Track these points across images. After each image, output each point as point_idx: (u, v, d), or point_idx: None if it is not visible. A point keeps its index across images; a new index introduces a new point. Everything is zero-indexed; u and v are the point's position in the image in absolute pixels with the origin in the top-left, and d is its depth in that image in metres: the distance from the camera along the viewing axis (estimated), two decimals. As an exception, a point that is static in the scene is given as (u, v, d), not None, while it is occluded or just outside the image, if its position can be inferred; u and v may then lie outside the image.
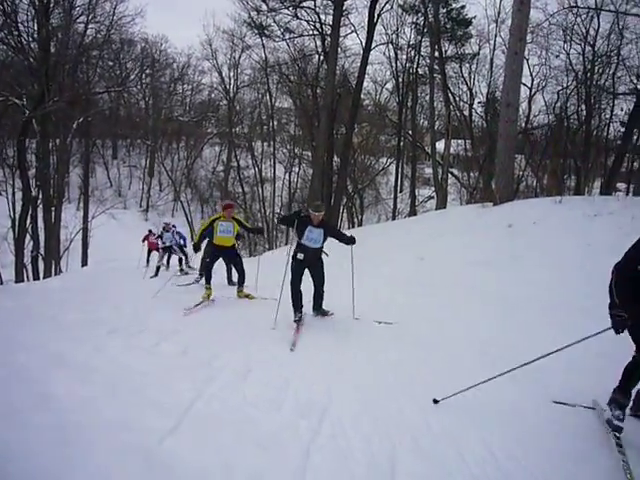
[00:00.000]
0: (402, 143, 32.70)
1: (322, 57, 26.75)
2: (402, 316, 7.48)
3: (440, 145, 28.06)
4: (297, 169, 36.35)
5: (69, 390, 4.32)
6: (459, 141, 31.64)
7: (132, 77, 38.56)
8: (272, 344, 6.04)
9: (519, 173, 26.10)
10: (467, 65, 29.88)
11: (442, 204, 23.06)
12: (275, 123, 38.47)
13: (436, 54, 24.94)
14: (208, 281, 8.83)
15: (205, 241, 11.33)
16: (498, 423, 4.15)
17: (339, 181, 24.97)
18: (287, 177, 36.65)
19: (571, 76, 25.59)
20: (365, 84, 28.24)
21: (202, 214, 38.97)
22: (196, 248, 9.03)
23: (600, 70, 25.07)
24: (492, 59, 28.88)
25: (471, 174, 30.13)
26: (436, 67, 25.61)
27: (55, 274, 22.64)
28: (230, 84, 38.92)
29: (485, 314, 7.51)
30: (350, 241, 7.24)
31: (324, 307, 7.44)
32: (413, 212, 28.48)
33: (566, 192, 23.16)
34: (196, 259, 13.67)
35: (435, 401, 4.46)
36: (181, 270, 13.98)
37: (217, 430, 3.90)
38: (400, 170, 34.53)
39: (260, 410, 4.26)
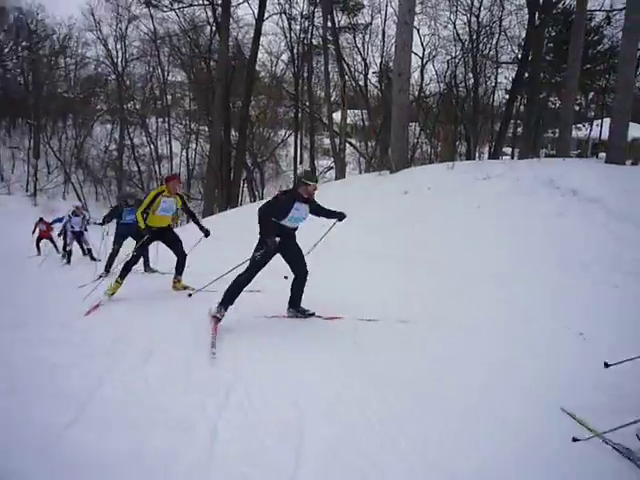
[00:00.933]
0: (300, 115, 32.70)
1: (214, 28, 26.01)
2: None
3: (337, 115, 28.31)
4: (194, 145, 35.41)
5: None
6: (356, 111, 32.08)
7: (6, 50, 35.56)
8: (176, 325, 5.89)
9: (414, 141, 26.95)
10: (360, 35, 30.24)
11: (341, 174, 23.37)
12: (169, 98, 37.14)
13: (329, 24, 24.94)
14: (125, 275, 7.14)
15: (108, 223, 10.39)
16: (398, 385, 4.31)
17: (238, 155, 24.63)
18: (185, 154, 35.62)
19: (459, 46, 26.63)
20: (260, 55, 27.93)
21: (97, 195, 37.11)
22: (143, 236, 7.37)
23: (485, 40, 26.25)
24: (384, 29, 29.46)
25: (369, 143, 30.71)
26: (330, 37, 25.67)
27: None
28: (118, 57, 36.93)
29: (384, 274, 7.70)
30: (339, 216, 6.04)
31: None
32: (314, 183, 28.65)
33: (458, 157, 24.24)
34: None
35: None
36: (93, 259, 12.83)
37: (122, 415, 3.78)
38: (299, 142, 34.59)
39: (165, 392, 4.17)
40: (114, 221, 10.15)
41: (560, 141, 17.39)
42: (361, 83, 30.52)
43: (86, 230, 13.35)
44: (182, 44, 30.38)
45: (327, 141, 28.54)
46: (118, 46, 36.72)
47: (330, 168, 30.06)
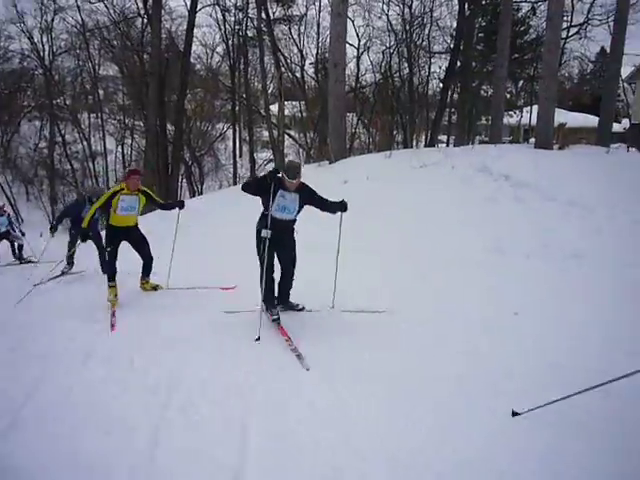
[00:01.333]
0: (237, 107, 32.34)
1: (145, 20, 25.32)
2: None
3: (276, 107, 28.16)
4: (130, 141, 34.43)
5: None
6: (294, 103, 31.98)
7: None
8: (119, 326, 5.76)
9: (352, 131, 27.16)
10: (296, 27, 30.12)
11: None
12: (101, 92, 35.86)
13: (263, 16, 24.70)
14: (113, 277, 6.69)
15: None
16: (349, 374, 4.37)
17: (174, 150, 24.14)
18: (120, 150, 34.59)
19: (393, 37, 26.98)
20: (195, 48, 27.40)
21: (27, 195, 35.54)
22: (84, 235, 7.20)
23: (418, 31, 26.69)
24: (319, 21, 29.47)
25: (308, 134, 30.71)
26: (265, 29, 25.44)
27: None
28: (44, 51, 35.32)
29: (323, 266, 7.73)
30: (341, 208, 5.77)
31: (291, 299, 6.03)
32: (254, 176, 28.48)
33: (395, 146, 24.59)
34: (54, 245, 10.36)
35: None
36: (22, 259, 12.12)
37: (60, 417, 3.72)
38: (238, 135, 34.20)
39: (106, 392, 4.09)
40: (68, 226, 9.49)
41: (493, 128, 17.92)
42: (298, 75, 30.45)
43: (14, 230, 12.61)
44: (113, 36, 29.37)
45: (266, 133, 28.35)
46: (44, 39, 35.10)
47: (270, 160, 29.88)
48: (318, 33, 29.62)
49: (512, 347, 4.75)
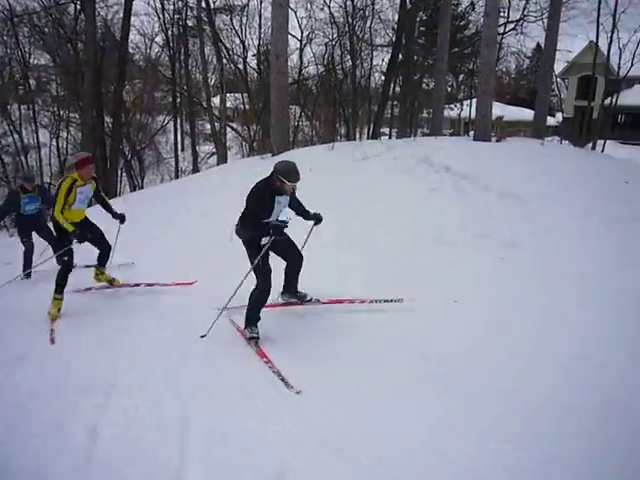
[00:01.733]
0: (178, 99, 31.66)
1: (79, 6, 24.38)
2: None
3: (217, 100, 27.73)
4: (65, 134, 33.14)
5: None
6: (236, 95, 31.57)
7: None
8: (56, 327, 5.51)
9: (295, 123, 27.06)
10: (238, 17, 29.67)
11: (223, 159, 22.97)
12: (33, 83, 34.35)
13: (203, 5, 24.23)
14: (63, 287, 5.93)
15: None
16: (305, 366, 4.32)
17: (113, 144, 23.46)
18: (55, 143, 33.27)
19: (335, 29, 26.99)
20: (132, 37, 26.58)
21: (-45, 194, 33.75)
22: (60, 236, 6.10)
23: (360, 23, 26.80)
24: (261, 11, 29.13)
25: (251, 127, 30.39)
26: (205, 19, 24.98)
27: None
28: (-32, 38, 33.50)
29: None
30: (316, 219, 5.57)
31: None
32: (196, 169, 27.96)
33: (339, 139, 24.67)
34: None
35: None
36: None
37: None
38: (179, 127, 33.49)
39: (38, 399, 3.91)
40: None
41: (434, 121, 18.20)
42: (240, 66, 30.05)
43: None
44: (44, 23, 28.09)
45: (208, 126, 27.85)
46: (-33, 25, 33.30)
47: (213, 154, 29.44)
48: (260, 24, 29.31)
49: (451, 333, 4.85)
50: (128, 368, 4.33)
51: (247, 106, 30.55)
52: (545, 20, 19.58)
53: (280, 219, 4.94)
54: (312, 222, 5.60)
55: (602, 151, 19.38)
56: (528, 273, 6.31)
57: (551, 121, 30.32)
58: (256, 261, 4.88)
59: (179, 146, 32.72)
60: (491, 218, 8.01)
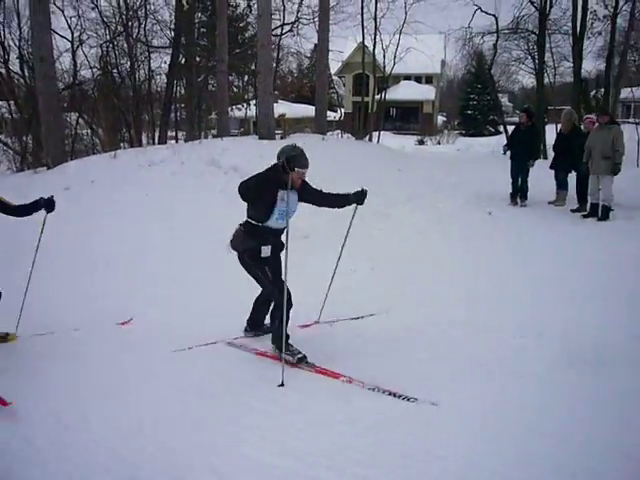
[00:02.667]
0: None
1: None
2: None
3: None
4: None
5: None
6: (1, 102, 28.24)
7: None
8: None
9: (72, 132, 25.09)
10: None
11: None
12: None
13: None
14: None
15: None
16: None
17: None
18: None
19: (108, 30, 25.57)
20: None
21: None
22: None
23: (136, 24, 25.70)
24: (19, 9, 26.31)
25: (24, 138, 27.44)
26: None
27: None
28: None
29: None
30: (358, 199, 4.60)
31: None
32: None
33: (123, 146, 23.44)
34: None
35: None
36: None
37: None
38: None
39: None
40: None
41: (220, 122, 18.19)
42: (2, 71, 26.89)
43: None
44: None
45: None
46: None
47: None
48: (19, 24, 26.46)
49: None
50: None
51: (15, 115, 27.53)
52: (317, 22, 20.69)
53: (275, 225, 4.32)
54: (355, 205, 4.73)
55: (378, 141, 21.20)
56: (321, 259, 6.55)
57: (335, 116, 32.30)
58: (257, 270, 4.34)
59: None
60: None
